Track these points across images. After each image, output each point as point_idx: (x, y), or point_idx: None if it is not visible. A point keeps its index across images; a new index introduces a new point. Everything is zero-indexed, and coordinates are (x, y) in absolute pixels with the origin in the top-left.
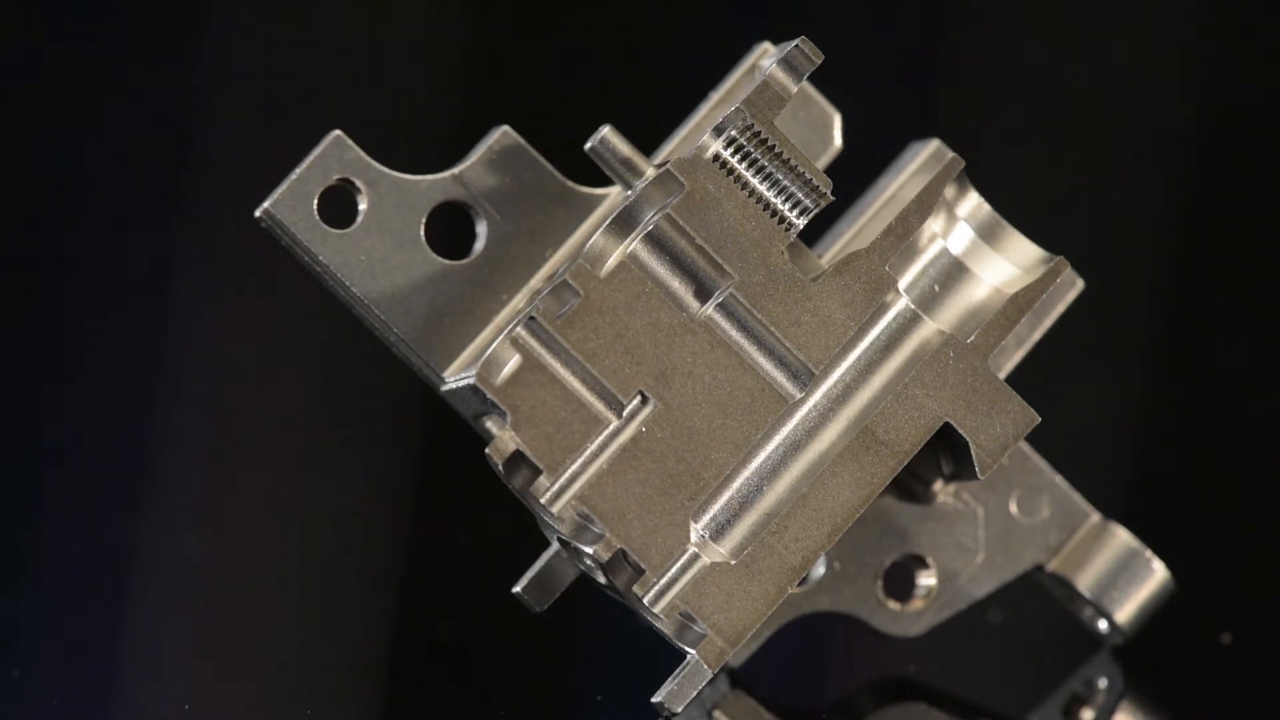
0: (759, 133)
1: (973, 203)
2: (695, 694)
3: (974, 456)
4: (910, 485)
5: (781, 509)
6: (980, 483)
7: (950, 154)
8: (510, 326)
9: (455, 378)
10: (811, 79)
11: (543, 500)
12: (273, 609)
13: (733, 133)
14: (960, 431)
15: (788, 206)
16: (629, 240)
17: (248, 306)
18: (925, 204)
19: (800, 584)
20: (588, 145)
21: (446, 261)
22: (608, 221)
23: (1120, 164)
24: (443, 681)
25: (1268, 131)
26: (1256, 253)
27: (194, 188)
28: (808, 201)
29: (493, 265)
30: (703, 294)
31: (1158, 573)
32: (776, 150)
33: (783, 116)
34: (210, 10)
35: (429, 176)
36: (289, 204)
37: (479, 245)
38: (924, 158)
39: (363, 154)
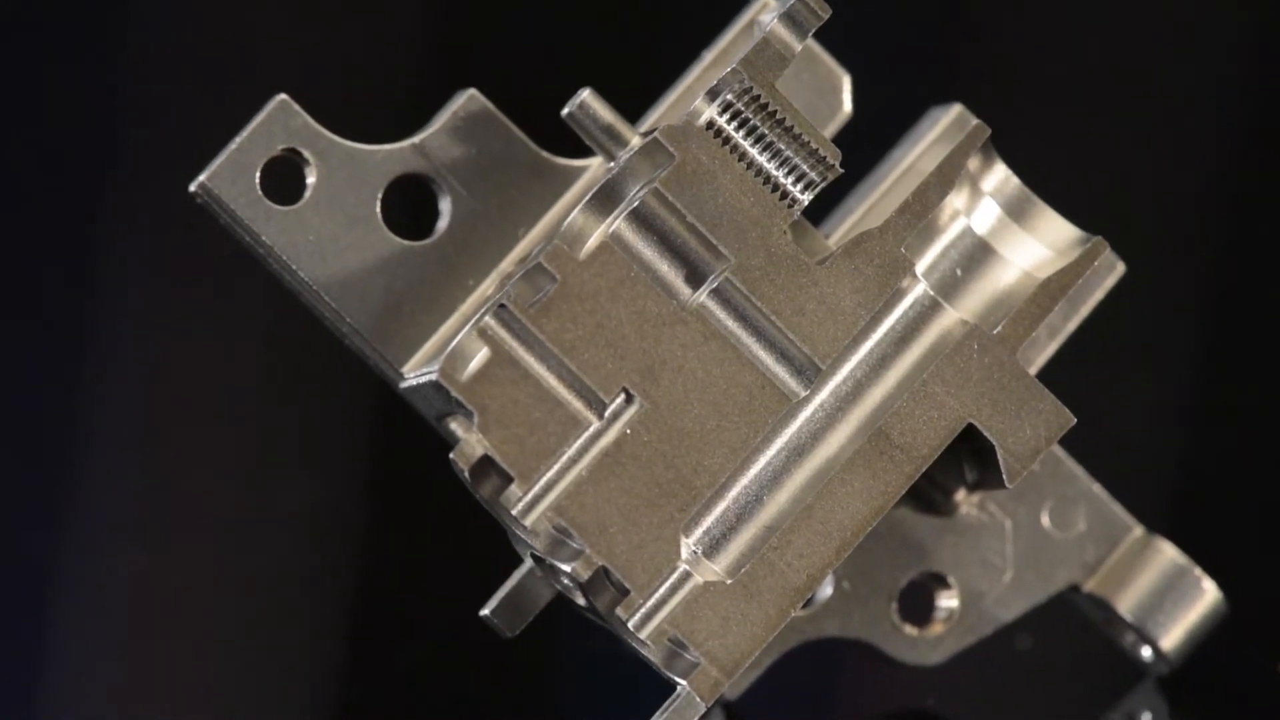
0: (758, 96)
1: (1000, 176)
2: None
3: (1001, 462)
4: (929, 495)
5: (784, 522)
6: (1008, 492)
7: (974, 120)
8: (478, 316)
9: (416, 373)
10: (817, 35)
11: (514, 512)
12: (215, 634)
13: (729, 97)
14: (986, 434)
15: (791, 180)
16: (611, 218)
17: (182, 293)
18: (946, 177)
19: (804, 606)
20: (565, 111)
21: (405, 242)
22: (587, 197)
23: (1166, 131)
24: (402, 714)
25: None
26: None
27: (121, 160)
28: (813, 174)
29: (458, 246)
30: (695, 279)
31: (1208, 593)
32: (778, 116)
33: (785, 78)
34: None
35: (386, 146)
36: (228, 177)
37: (442, 224)
38: (945, 125)
39: (311, 120)
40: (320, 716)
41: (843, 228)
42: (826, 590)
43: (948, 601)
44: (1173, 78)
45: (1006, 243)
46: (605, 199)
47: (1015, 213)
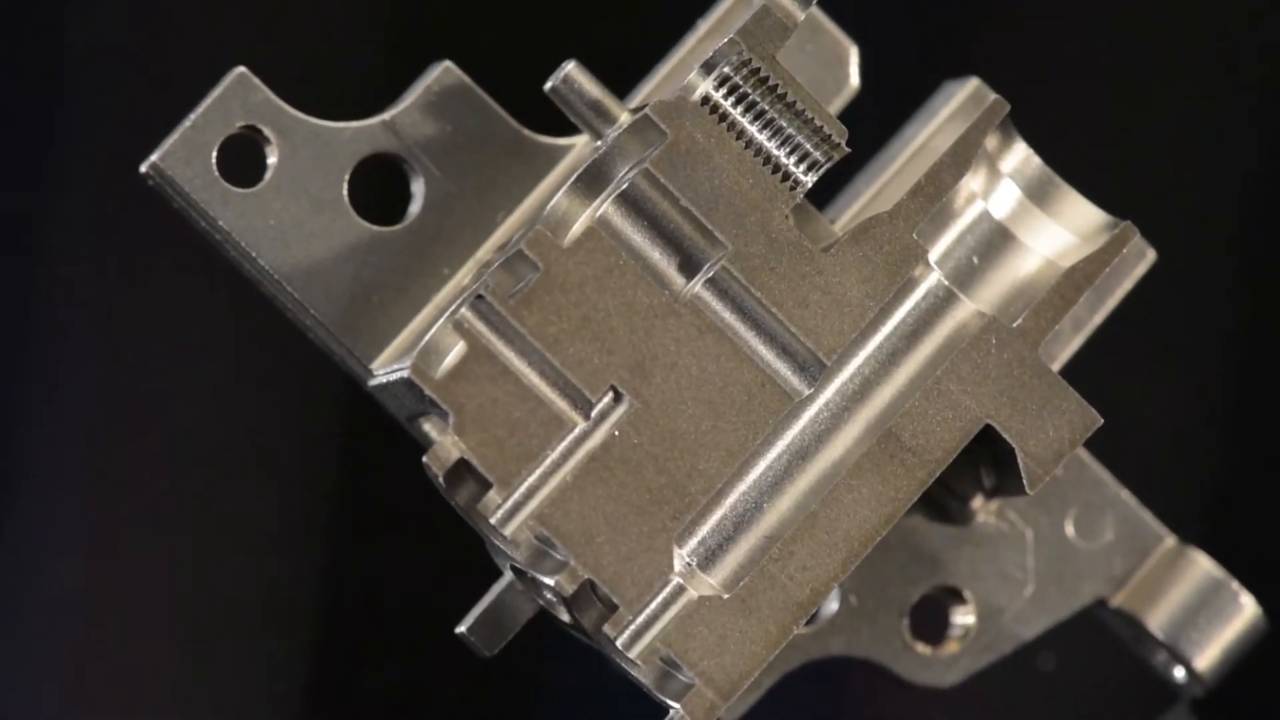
0: (758, 69)
1: (1020, 155)
2: None
3: (1021, 466)
4: (943, 502)
5: (785, 531)
6: (1029, 499)
7: (992, 95)
8: (453, 307)
9: (386, 370)
10: (822, 3)
11: (493, 520)
12: (165, 655)
13: (726, 70)
14: (1005, 436)
15: (793, 160)
16: (598, 201)
17: (131, 282)
18: (962, 157)
19: (808, 623)
20: (548, 85)
21: (375, 227)
22: (572, 179)
23: (1200, 107)
24: None
25: None
26: None
27: (67, 138)
28: (818, 154)
29: (432, 232)
30: (689, 267)
31: (1246, 609)
32: (779, 91)
33: (787, 50)
34: None
35: (353, 123)
36: (182, 157)
37: (415, 207)
38: (960, 100)
39: (272, 95)
40: None
41: (850, 212)
42: (832, 605)
43: (963, 618)
44: (1207, 50)
45: (1027, 228)
46: (592, 180)
47: (1037, 195)
